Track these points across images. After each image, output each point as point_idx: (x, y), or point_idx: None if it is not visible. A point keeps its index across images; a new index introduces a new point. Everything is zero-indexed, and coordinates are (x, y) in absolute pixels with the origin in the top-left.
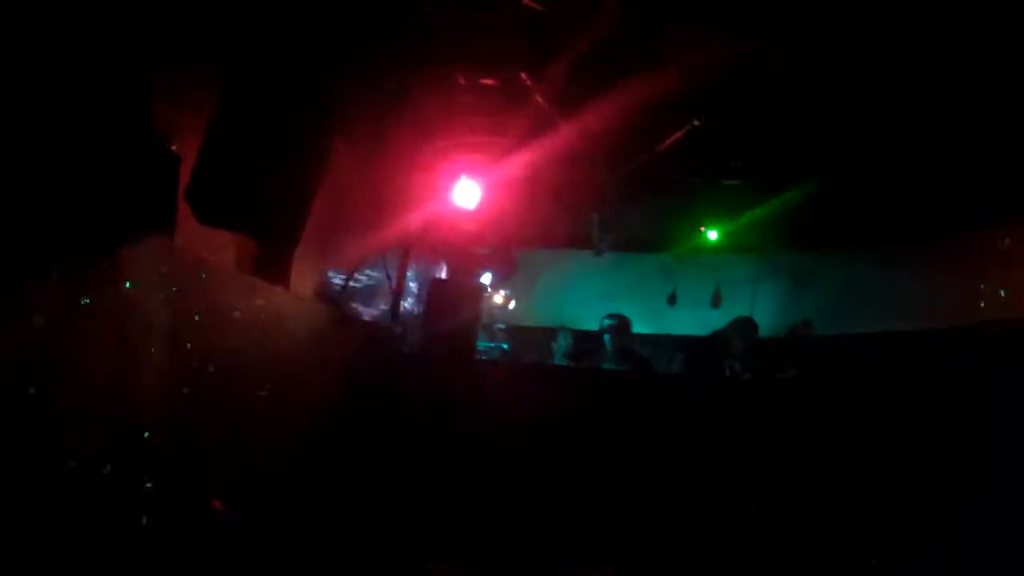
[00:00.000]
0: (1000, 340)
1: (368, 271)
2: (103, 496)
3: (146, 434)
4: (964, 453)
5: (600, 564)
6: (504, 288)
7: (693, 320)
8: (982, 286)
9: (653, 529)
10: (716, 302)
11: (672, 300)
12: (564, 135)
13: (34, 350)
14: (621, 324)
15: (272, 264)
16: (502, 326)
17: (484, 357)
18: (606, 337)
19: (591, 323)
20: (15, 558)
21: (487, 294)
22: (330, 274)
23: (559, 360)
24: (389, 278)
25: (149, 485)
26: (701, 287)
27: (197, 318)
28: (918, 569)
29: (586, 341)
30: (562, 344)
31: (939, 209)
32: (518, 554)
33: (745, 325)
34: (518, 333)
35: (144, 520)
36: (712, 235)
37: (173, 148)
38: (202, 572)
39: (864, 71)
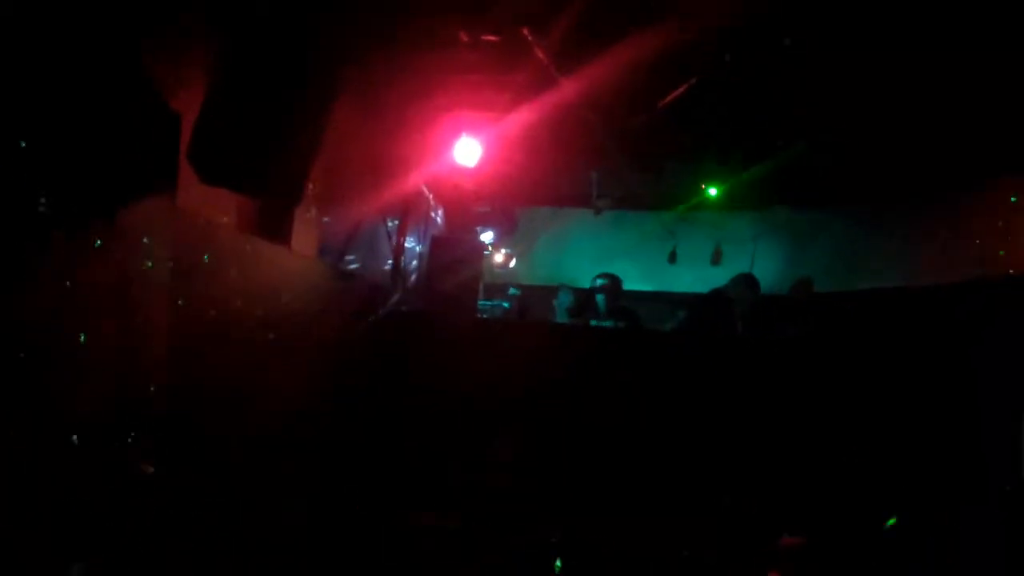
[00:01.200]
0: (999, 292)
1: (369, 229)
2: (106, 458)
3: (150, 392)
4: (965, 406)
5: (590, 521)
6: (505, 246)
7: (693, 278)
8: (979, 241)
9: (648, 486)
10: (716, 259)
11: (672, 258)
12: (564, 92)
13: (36, 311)
14: (612, 283)
15: (274, 223)
16: (515, 291)
17: (485, 315)
18: (599, 297)
19: (591, 281)
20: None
21: (487, 252)
22: (331, 232)
23: (560, 317)
24: (389, 236)
25: (152, 444)
26: (701, 245)
27: (199, 277)
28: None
29: (588, 299)
30: (563, 301)
31: (937, 165)
32: (502, 508)
33: (747, 282)
34: (519, 290)
35: (146, 481)
36: (712, 192)
37: (173, 105)
38: (202, 522)
39: (864, 29)
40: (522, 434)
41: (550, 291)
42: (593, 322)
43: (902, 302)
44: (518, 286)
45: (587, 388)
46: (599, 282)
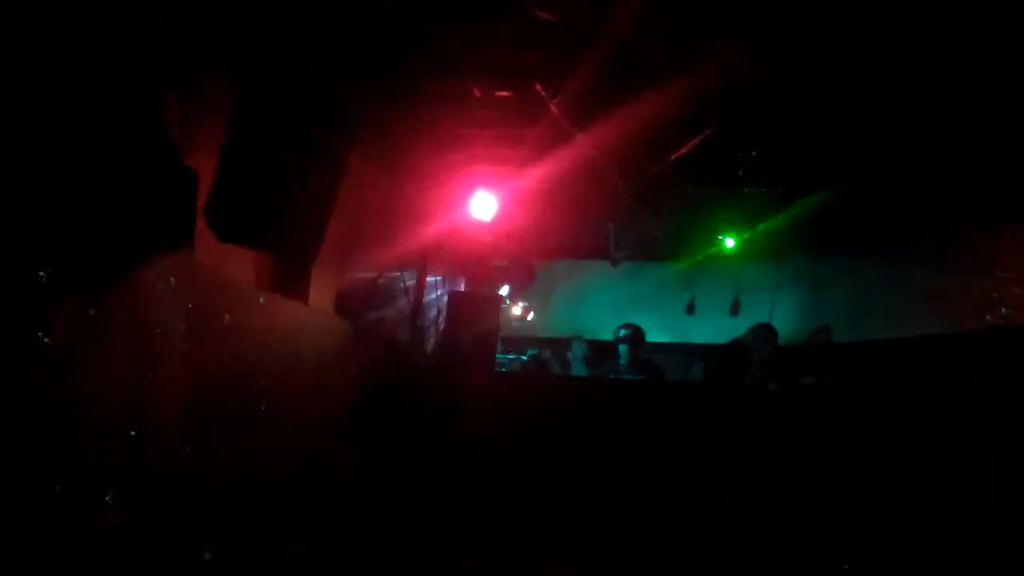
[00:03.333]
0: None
1: (386, 284)
2: (117, 514)
3: (165, 448)
4: (981, 455)
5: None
6: (522, 299)
7: (712, 328)
8: (996, 291)
9: (673, 534)
10: (735, 310)
11: (690, 309)
12: (579, 146)
13: (52, 369)
14: (636, 334)
15: (291, 279)
16: (534, 351)
17: (504, 368)
18: (621, 348)
19: (610, 333)
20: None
21: (505, 306)
22: (348, 288)
23: (576, 368)
24: (407, 292)
25: (163, 499)
26: (719, 295)
27: (216, 334)
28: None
29: (602, 350)
30: (577, 352)
31: (956, 209)
32: (534, 556)
33: (764, 332)
34: (537, 344)
35: (159, 537)
36: (729, 243)
37: (189, 163)
38: None
39: (876, 76)
40: (542, 488)
41: (565, 343)
42: (614, 375)
43: (921, 351)
44: (537, 343)
45: (609, 441)
46: (622, 332)
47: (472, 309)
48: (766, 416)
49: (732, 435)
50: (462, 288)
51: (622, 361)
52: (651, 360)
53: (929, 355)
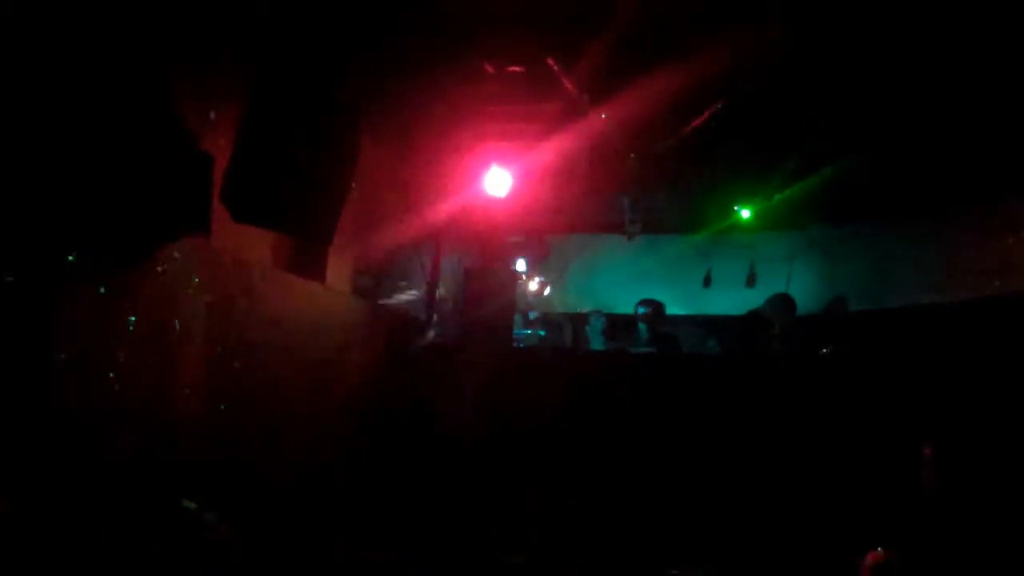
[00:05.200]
0: None
1: (403, 262)
2: (143, 495)
3: (189, 427)
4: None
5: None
6: (538, 275)
7: (729, 300)
8: (1012, 256)
9: (693, 511)
10: (751, 281)
11: (707, 281)
12: (593, 120)
13: (76, 352)
14: (656, 310)
15: (307, 260)
16: (543, 333)
17: (521, 344)
18: (641, 326)
19: (626, 307)
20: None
21: (521, 281)
22: (365, 267)
23: (595, 342)
24: (423, 269)
25: (189, 479)
26: (735, 267)
27: (235, 316)
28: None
29: (619, 323)
30: (595, 326)
31: (969, 176)
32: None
33: (783, 302)
34: (554, 318)
35: (184, 513)
36: (745, 214)
37: (205, 148)
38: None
39: (892, 49)
40: (561, 466)
41: (582, 317)
42: (633, 348)
43: (938, 319)
44: (546, 317)
45: (629, 414)
46: (641, 310)
47: (488, 285)
48: (785, 386)
49: (751, 406)
50: (478, 264)
51: (642, 336)
52: (670, 333)
53: (946, 323)
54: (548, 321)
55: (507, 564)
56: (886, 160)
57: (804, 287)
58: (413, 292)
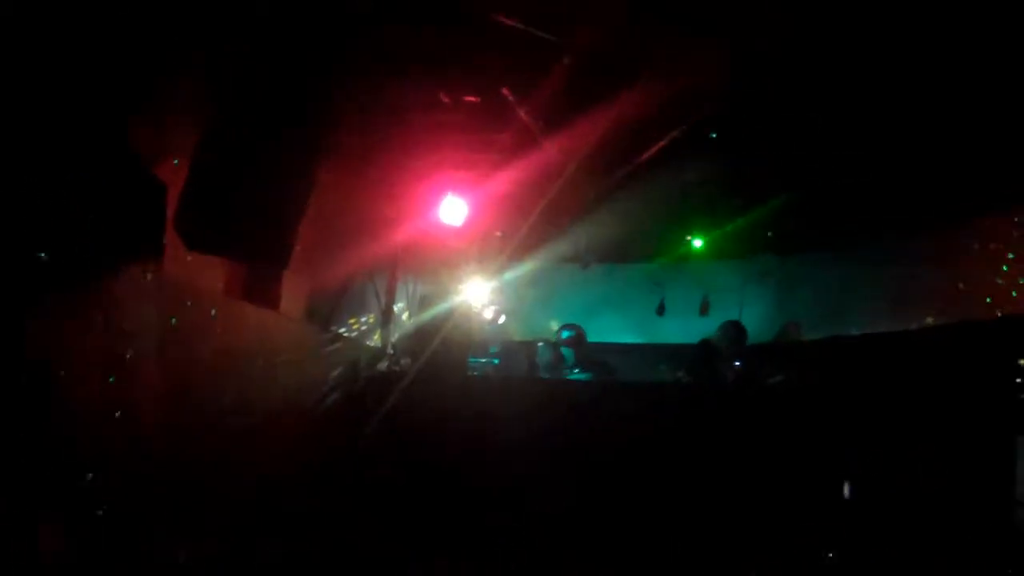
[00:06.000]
0: (985, 336)
1: (357, 291)
2: (94, 530)
3: (138, 459)
4: (952, 449)
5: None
6: (493, 303)
7: (682, 328)
8: (961, 284)
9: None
10: (704, 310)
11: (661, 310)
12: (548, 150)
13: (24, 380)
14: (578, 335)
15: (261, 287)
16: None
17: (475, 372)
18: (565, 351)
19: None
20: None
21: (476, 310)
22: (319, 295)
23: (544, 372)
24: (378, 297)
25: (140, 508)
26: (689, 295)
27: (187, 343)
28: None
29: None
30: (544, 356)
31: (919, 208)
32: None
33: (734, 330)
34: (510, 347)
35: (130, 536)
36: (697, 243)
37: (158, 175)
38: None
39: (845, 77)
40: (514, 490)
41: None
42: (564, 374)
43: (890, 347)
44: (500, 346)
45: (569, 440)
46: (564, 334)
47: (442, 314)
48: (731, 414)
49: (692, 433)
50: (433, 292)
51: (567, 363)
52: (597, 359)
53: (895, 352)
54: (504, 350)
55: None
56: (837, 192)
57: (757, 315)
58: (368, 319)
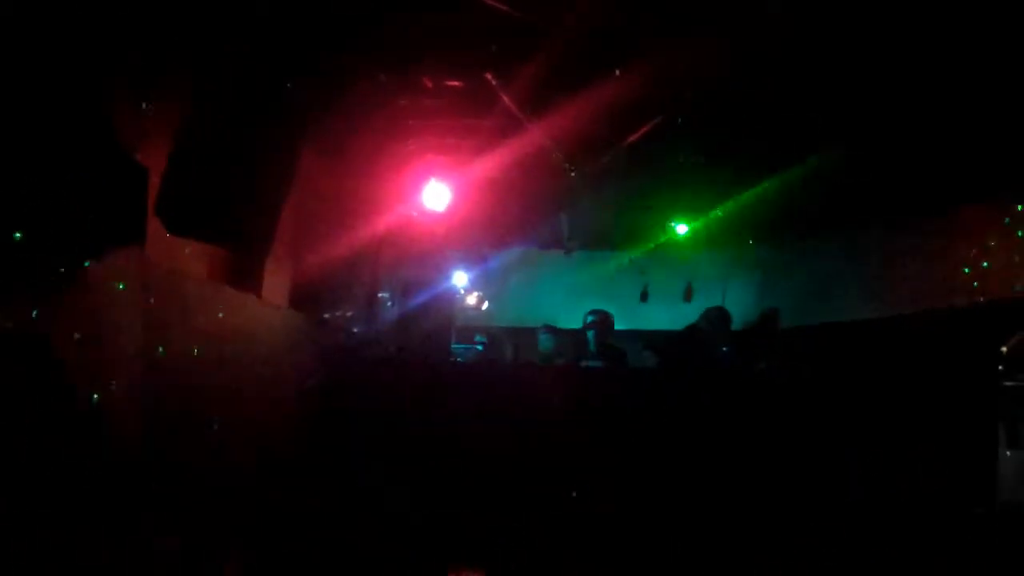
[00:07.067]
0: (967, 322)
1: (341, 276)
2: (75, 515)
3: (121, 447)
4: (932, 434)
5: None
6: (477, 289)
7: (666, 315)
8: (942, 273)
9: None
10: (688, 296)
11: (644, 296)
12: (531, 135)
13: (4, 367)
14: (603, 320)
15: (244, 273)
16: (482, 338)
17: (459, 358)
18: (589, 334)
19: (565, 321)
20: None
21: (459, 295)
22: (303, 280)
23: (544, 359)
24: (361, 283)
25: (122, 497)
26: (673, 282)
27: (170, 330)
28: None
29: (565, 339)
30: (545, 343)
31: (904, 194)
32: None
33: (719, 315)
34: (495, 334)
35: (117, 533)
36: (681, 229)
37: (139, 159)
38: None
39: (835, 62)
40: (502, 478)
41: (527, 332)
42: (583, 361)
43: (870, 334)
44: (485, 332)
45: (573, 428)
46: (590, 319)
47: (426, 299)
48: (724, 399)
49: (692, 420)
50: (416, 278)
51: (590, 347)
52: (615, 346)
53: (879, 338)
54: (489, 337)
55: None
56: (820, 179)
57: (741, 301)
58: (352, 305)
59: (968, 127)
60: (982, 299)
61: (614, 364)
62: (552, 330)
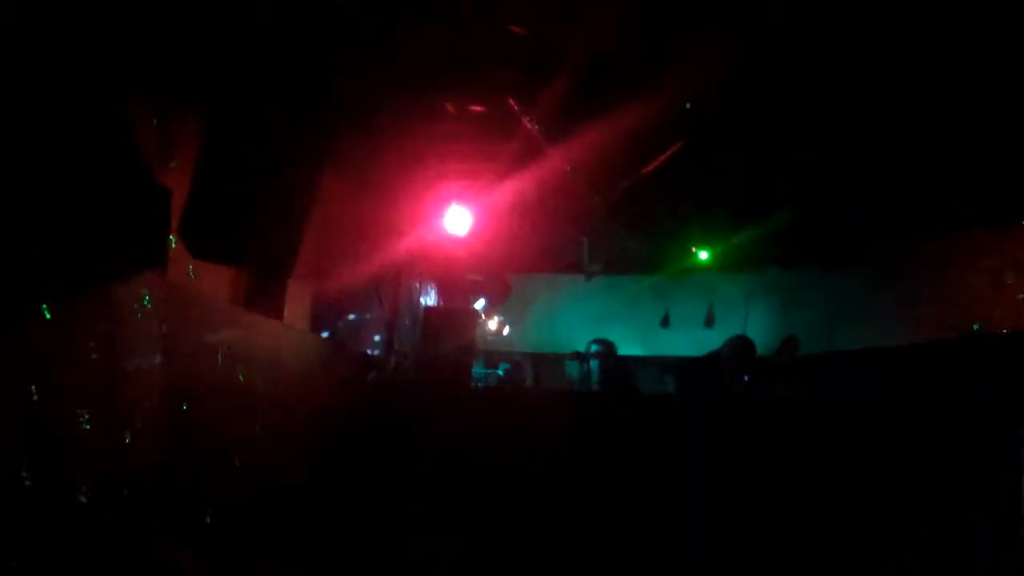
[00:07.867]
0: (986, 352)
1: (361, 300)
2: (95, 533)
3: (139, 460)
4: (956, 465)
5: None
6: (497, 314)
7: (687, 340)
8: (969, 296)
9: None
10: (709, 322)
11: (665, 321)
12: (553, 160)
13: (29, 387)
14: (606, 349)
15: (265, 296)
16: (506, 365)
17: (479, 383)
18: (593, 363)
19: (584, 347)
20: None
21: (481, 320)
22: (324, 304)
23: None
24: (382, 307)
25: (141, 517)
26: (694, 307)
27: (190, 352)
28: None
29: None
30: (571, 371)
31: (926, 221)
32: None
33: (743, 344)
34: (516, 359)
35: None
36: (703, 255)
37: (163, 182)
38: None
39: (850, 93)
40: (518, 504)
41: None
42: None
43: (891, 361)
44: (508, 358)
45: (586, 454)
46: (593, 348)
47: (448, 324)
48: (743, 428)
49: (712, 447)
50: (438, 303)
51: (593, 379)
52: (624, 370)
53: (898, 365)
54: (510, 362)
55: None
56: (842, 205)
57: (762, 328)
58: (372, 330)
59: (988, 156)
60: (1001, 326)
61: (623, 392)
62: (579, 356)
